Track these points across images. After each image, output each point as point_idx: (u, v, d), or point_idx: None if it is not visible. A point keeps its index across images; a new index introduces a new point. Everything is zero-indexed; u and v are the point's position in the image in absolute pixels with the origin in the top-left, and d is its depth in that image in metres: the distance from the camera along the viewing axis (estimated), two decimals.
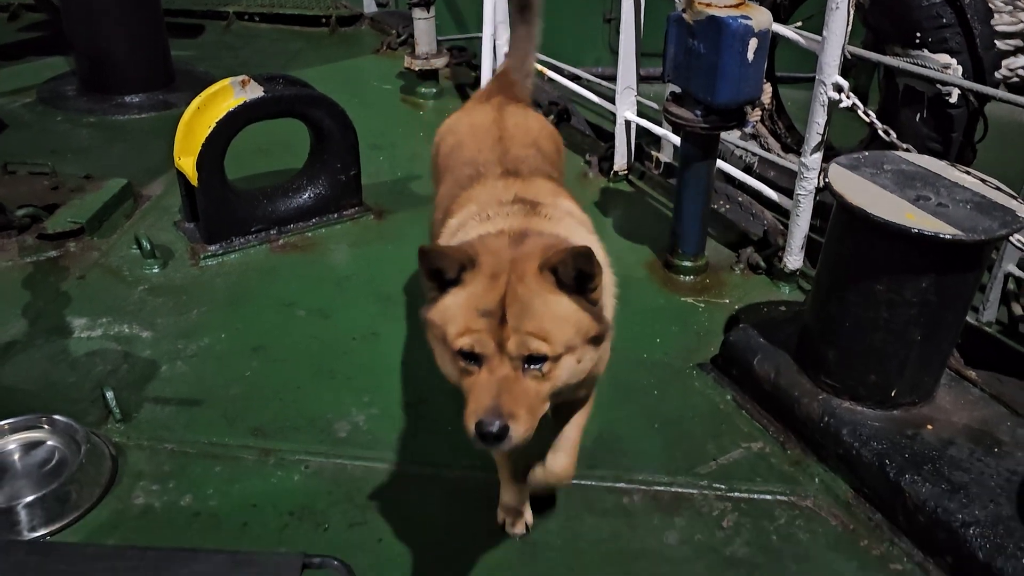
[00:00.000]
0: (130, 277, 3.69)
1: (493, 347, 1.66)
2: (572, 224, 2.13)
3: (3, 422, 2.69)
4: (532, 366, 1.68)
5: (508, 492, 2.46)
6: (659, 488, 2.71)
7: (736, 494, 2.69)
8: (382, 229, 4.17)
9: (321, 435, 2.86)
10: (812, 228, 3.64)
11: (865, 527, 2.59)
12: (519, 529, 2.52)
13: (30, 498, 2.47)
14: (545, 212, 2.08)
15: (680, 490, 2.70)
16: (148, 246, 3.73)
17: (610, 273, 2.03)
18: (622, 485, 2.71)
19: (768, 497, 2.69)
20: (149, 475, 2.68)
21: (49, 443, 2.70)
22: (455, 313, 1.71)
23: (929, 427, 2.70)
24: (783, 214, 3.95)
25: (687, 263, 3.79)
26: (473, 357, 1.69)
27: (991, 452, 2.60)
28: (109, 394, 2.87)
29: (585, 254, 1.69)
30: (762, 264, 3.84)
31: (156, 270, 3.73)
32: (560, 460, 2.30)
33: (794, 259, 3.69)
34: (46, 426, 2.72)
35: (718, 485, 2.71)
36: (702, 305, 3.65)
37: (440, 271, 1.73)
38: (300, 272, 3.79)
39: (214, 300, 3.56)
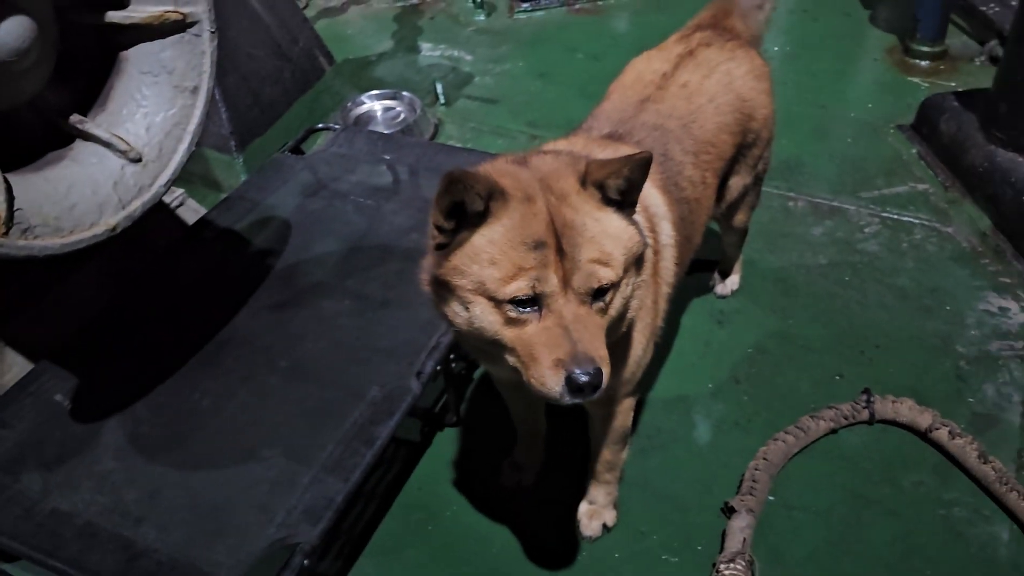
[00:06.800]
0: (464, 21, 4.94)
1: (557, 283, 1.34)
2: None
3: (373, 92, 4.06)
4: (597, 300, 1.39)
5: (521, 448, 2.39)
6: (821, 200, 3.39)
7: (886, 214, 3.29)
8: (660, 2, 4.96)
9: None
10: None
11: (992, 251, 3.08)
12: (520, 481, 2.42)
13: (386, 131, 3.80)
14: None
15: (839, 204, 3.36)
16: (480, 1, 4.93)
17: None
18: (791, 193, 3.43)
19: (914, 220, 3.25)
20: (457, 138, 3.92)
21: (398, 108, 4.03)
22: (494, 253, 1.35)
23: None
24: None
25: (923, 48, 4.13)
26: (530, 302, 1.35)
27: None
28: (439, 86, 4.13)
29: (647, 160, 1.38)
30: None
31: (482, 18, 4.95)
32: (607, 512, 2.26)
33: None
34: (398, 99, 4.05)
35: (873, 206, 3.33)
36: (926, 85, 4.03)
37: (462, 205, 1.36)
38: (586, 29, 4.77)
39: (519, 41, 4.68)
